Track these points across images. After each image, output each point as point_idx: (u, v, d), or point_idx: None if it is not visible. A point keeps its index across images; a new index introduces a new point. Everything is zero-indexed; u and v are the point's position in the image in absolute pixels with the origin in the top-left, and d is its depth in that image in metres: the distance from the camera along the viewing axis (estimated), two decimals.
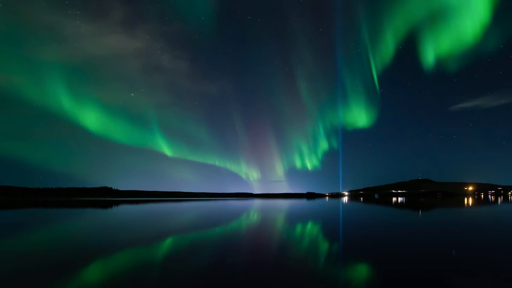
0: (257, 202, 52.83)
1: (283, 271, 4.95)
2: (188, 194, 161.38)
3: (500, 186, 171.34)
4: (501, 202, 39.05)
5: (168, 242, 8.06)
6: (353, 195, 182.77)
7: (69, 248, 7.10)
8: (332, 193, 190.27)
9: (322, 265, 5.40)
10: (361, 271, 4.96)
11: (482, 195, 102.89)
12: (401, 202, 42.06)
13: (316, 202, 52.21)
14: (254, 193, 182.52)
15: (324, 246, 7.34)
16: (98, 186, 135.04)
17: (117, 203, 41.49)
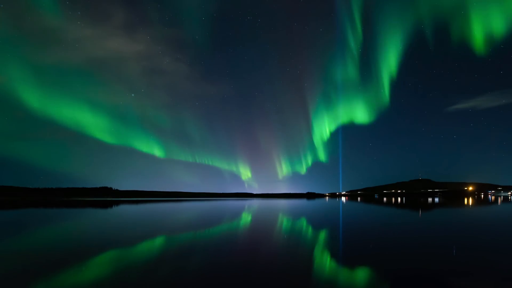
0: (256, 202, 52.85)
1: (282, 271, 4.95)
2: (187, 194, 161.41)
3: (500, 186, 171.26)
4: (501, 202, 39.05)
5: (164, 241, 8.07)
6: (353, 195, 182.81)
7: (67, 247, 7.10)
8: (332, 193, 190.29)
9: (321, 265, 5.40)
10: (361, 270, 4.96)
11: (482, 195, 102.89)
12: (401, 202, 42.06)
13: (316, 202, 52.20)
14: (254, 193, 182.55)
15: (324, 246, 7.34)
16: (98, 186, 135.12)
17: (117, 203, 41.49)
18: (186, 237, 8.98)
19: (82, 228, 11.56)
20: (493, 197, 71.81)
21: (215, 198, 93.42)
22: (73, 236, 9.25)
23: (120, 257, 6.11)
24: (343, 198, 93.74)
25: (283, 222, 13.91)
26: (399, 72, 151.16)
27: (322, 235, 9.33)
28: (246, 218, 16.29)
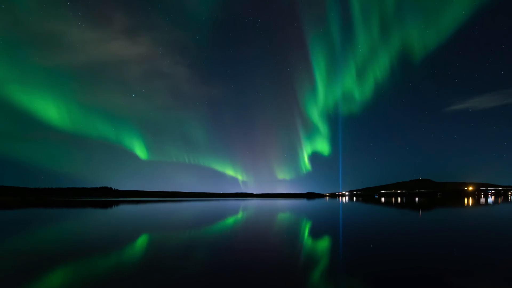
0: (256, 202, 52.85)
1: (281, 270, 4.95)
2: (187, 194, 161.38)
3: (500, 186, 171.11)
4: (501, 202, 39.04)
5: (161, 241, 8.07)
6: (353, 195, 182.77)
7: (65, 247, 7.10)
8: (332, 193, 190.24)
9: (321, 265, 5.40)
10: (362, 270, 4.96)
11: (482, 195, 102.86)
12: (401, 202, 42.05)
13: (316, 202, 52.20)
14: (254, 193, 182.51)
15: (323, 245, 7.34)
16: (98, 186, 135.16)
17: (117, 203, 41.49)
18: (183, 237, 8.98)
19: (81, 228, 11.56)
20: (493, 197, 71.82)
21: (214, 199, 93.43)
22: (71, 236, 9.25)
23: (118, 256, 6.11)
24: (343, 198, 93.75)
25: (281, 222, 13.91)
26: (399, 72, 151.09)
27: (322, 235, 9.33)
28: (243, 219, 16.29)
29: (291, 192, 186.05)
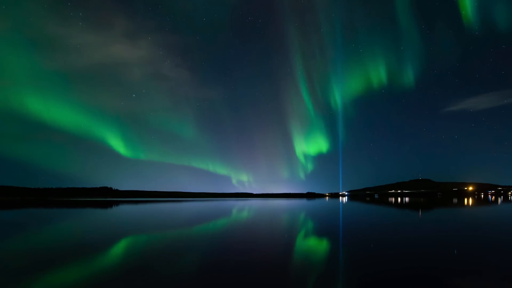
0: (256, 202, 52.86)
1: (280, 270, 4.93)
2: (187, 194, 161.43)
3: (500, 186, 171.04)
4: (501, 202, 39.03)
5: (158, 241, 8.06)
6: (353, 195, 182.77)
7: (63, 247, 7.09)
8: (332, 193, 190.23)
9: (320, 265, 5.38)
10: (362, 271, 4.94)
11: (482, 195, 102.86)
12: (401, 202, 42.05)
13: (316, 202, 52.20)
14: (254, 193, 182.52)
15: (324, 245, 7.33)
16: (98, 186, 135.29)
17: (117, 203, 41.50)
18: (180, 236, 8.97)
19: (79, 228, 11.55)
20: (493, 197, 71.79)
21: (214, 199, 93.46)
22: (69, 236, 9.25)
23: (117, 256, 6.10)
24: (343, 198, 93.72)
25: (281, 222, 13.90)
26: (399, 72, 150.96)
27: (321, 234, 9.32)
28: (242, 219, 16.28)
29: (291, 192, 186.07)
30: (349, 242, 7.88)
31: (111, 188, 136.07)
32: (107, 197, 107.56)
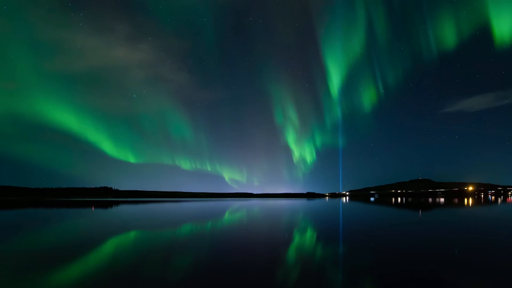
0: (256, 202, 52.84)
1: (281, 272, 4.91)
2: (187, 194, 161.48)
3: (500, 186, 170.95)
4: (501, 202, 39.02)
5: (155, 241, 8.05)
6: (353, 195, 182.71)
7: (61, 247, 7.08)
8: (332, 193, 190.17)
9: (320, 265, 5.36)
10: (362, 270, 4.92)
11: (482, 195, 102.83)
12: (401, 202, 42.05)
13: (316, 202, 52.19)
14: (254, 193, 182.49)
15: (323, 245, 7.31)
16: (98, 186, 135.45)
17: (117, 203, 41.50)
18: (178, 236, 8.95)
19: (78, 228, 11.54)
20: (493, 197, 71.76)
21: (214, 199, 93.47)
22: (68, 236, 9.23)
23: (114, 255, 6.08)
24: (343, 198, 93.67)
25: (280, 222, 13.88)
26: (399, 71, 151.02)
27: (320, 234, 9.30)
28: (242, 218, 16.25)
29: (291, 192, 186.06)
30: (349, 242, 7.86)
31: (111, 188, 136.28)
32: (107, 197, 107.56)
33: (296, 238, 8.56)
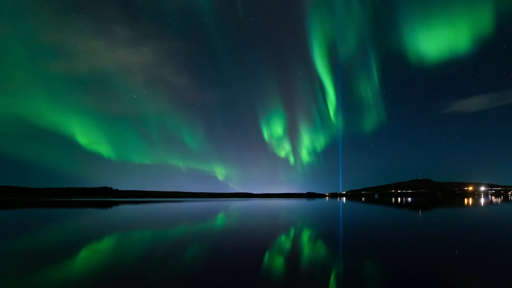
0: (256, 202, 52.83)
1: (280, 272, 4.92)
2: (187, 194, 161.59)
3: (500, 186, 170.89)
4: (501, 202, 39.02)
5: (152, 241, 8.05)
6: (353, 195, 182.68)
7: (60, 247, 7.09)
8: (332, 193, 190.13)
9: (318, 265, 5.37)
10: (362, 271, 4.93)
11: (482, 195, 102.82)
12: (401, 202, 42.05)
13: (316, 202, 52.19)
14: (254, 193, 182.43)
15: (323, 245, 7.31)
16: (98, 186, 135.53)
17: (117, 203, 41.51)
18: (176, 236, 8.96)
19: (77, 228, 11.55)
20: (493, 197, 71.76)
21: (214, 199, 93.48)
22: (67, 236, 9.25)
23: (113, 255, 6.10)
24: (343, 198, 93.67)
25: (280, 221, 13.88)
26: (400, 72, 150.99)
27: (321, 234, 9.30)
28: (241, 218, 16.26)
29: (291, 192, 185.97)
30: (349, 243, 7.87)
31: (111, 188, 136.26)
32: (107, 197, 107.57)
33: (296, 238, 8.57)
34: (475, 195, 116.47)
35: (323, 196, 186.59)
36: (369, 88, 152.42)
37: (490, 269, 5.04)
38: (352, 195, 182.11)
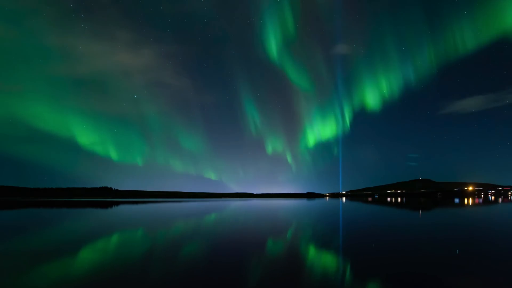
0: (256, 202, 52.81)
1: (280, 272, 4.92)
2: (187, 194, 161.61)
3: (500, 186, 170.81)
4: (501, 202, 39.03)
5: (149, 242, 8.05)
6: (353, 195, 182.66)
7: (61, 247, 7.09)
8: (332, 193, 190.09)
9: (318, 266, 5.37)
10: (362, 271, 4.93)
11: (482, 195, 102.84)
12: (401, 202, 42.05)
13: (316, 202, 52.19)
14: (254, 193, 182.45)
15: (323, 246, 7.31)
16: (98, 186, 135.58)
17: (117, 203, 41.51)
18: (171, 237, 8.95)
19: (77, 228, 11.54)
20: (493, 197, 71.75)
21: (214, 199, 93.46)
22: (67, 236, 9.24)
23: (112, 255, 6.09)
24: (343, 198, 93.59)
25: (280, 221, 13.88)
26: (400, 72, 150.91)
27: (321, 234, 9.30)
28: (241, 218, 16.24)
29: (291, 192, 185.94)
30: (351, 242, 7.87)
31: (111, 188, 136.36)
32: (107, 197, 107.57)
33: (296, 238, 8.57)
34: (475, 195, 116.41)
35: (323, 196, 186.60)
36: (371, 88, 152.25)
37: (490, 269, 5.04)
38: (352, 195, 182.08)
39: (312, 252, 6.59)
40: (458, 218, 15.33)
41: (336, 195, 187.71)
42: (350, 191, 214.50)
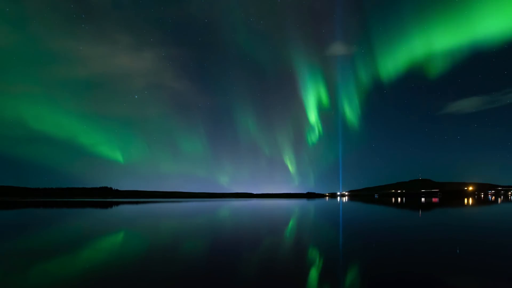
0: (256, 202, 52.82)
1: (278, 270, 4.92)
2: (187, 194, 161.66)
3: (500, 186, 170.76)
4: (501, 202, 39.01)
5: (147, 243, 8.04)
6: (353, 195, 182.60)
7: (61, 247, 7.09)
8: (332, 193, 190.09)
9: (318, 266, 5.37)
10: (362, 271, 4.92)
11: (482, 195, 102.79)
12: (401, 202, 42.04)
13: (316, 202, 52.18)
14: (254, 193, 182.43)
15: (323, 246, 7.31)
16: (98, 186, 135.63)
17: (117, 204, 41.51)
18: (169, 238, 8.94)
19: (76, 228, 11.54)
20: (493, 197, 71.73)
21: (214, 199, 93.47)
22: (67, 236, 9.24)
23: (112, 255, 6.09)
24: (343, 198, 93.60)
25: (280, 221, 13.87)
26: (400, 72, 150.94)
27: (321, 234, 9.29)
28: (241, 219, 16.24)
29: (291, 192, 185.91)
30: (351, 242, 7.86)
31: (111, 188, 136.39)
32: (107, 197, 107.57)
33: (296, 238, 8.56)
34: (475, 195, 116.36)
35: (323, 196, 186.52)
36: (370, 87, 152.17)
37: (490, 269, 5.03)
38: (353, 195, 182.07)
39: (312, 252, 6.59)
40: (458, 218, 15.32)
41: (336, 195, 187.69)
42: (350, 191, 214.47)
